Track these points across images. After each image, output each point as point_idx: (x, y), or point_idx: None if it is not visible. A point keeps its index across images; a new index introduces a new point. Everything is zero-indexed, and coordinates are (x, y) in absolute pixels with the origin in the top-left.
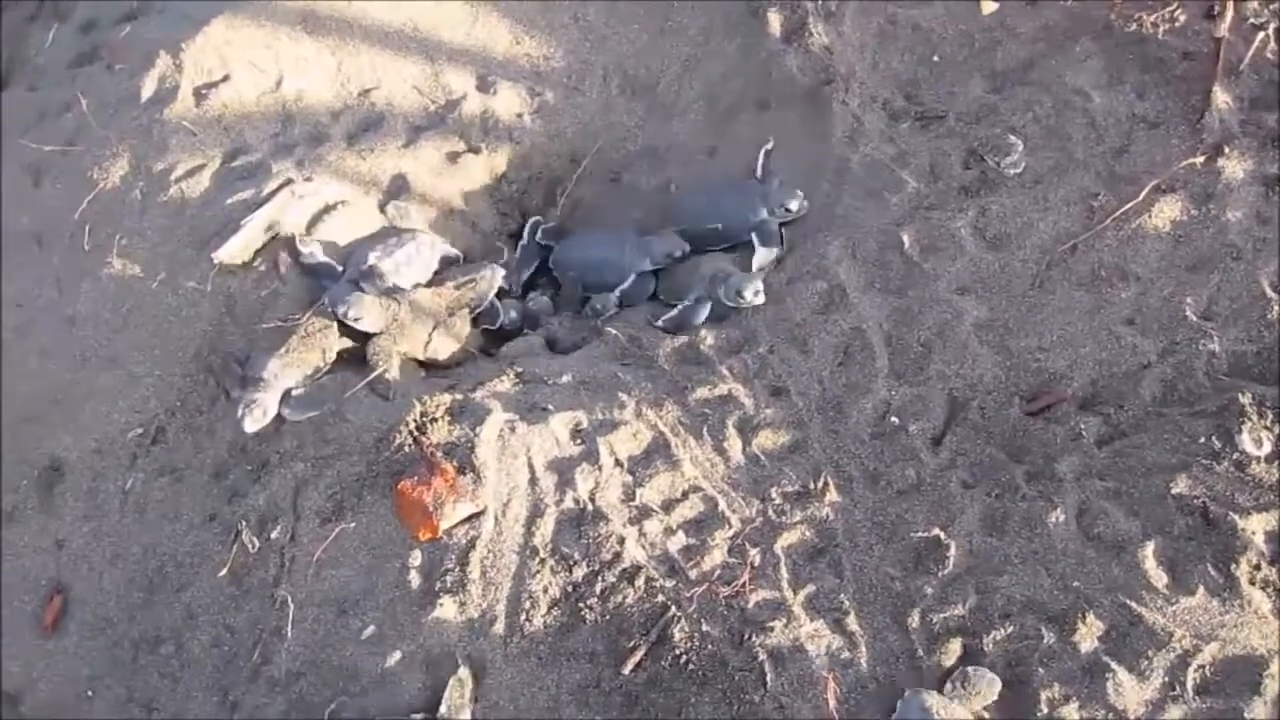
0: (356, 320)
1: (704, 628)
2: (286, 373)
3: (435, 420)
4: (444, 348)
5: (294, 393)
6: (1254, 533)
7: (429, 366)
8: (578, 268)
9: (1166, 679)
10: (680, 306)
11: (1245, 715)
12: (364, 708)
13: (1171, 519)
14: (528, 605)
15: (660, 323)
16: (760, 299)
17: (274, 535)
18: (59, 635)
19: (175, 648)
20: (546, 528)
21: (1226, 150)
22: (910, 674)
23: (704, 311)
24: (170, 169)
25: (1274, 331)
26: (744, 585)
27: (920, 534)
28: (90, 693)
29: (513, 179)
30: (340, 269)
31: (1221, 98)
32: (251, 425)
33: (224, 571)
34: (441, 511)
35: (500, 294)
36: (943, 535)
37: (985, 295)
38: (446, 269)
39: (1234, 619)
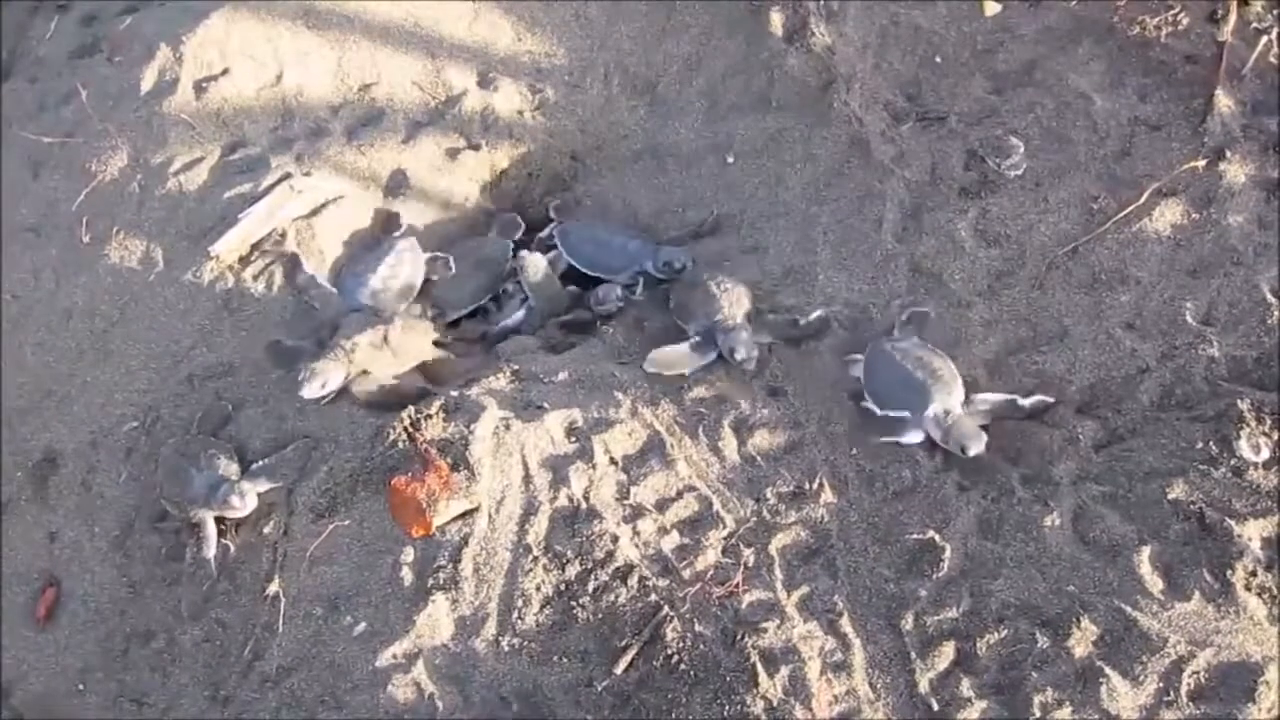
0: (325, 387)
1: (696, 628)
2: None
3: (430, 417)
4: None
5: (253, 467)
6: (1250, 539)
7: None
8: (581, 241)
9: (1161, 685)
10: (686, 344)
11: None
12: (355, 705)
13: (1168, 524)
14: (520, 603)
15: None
16: (749, 366)
17: (267, 530)
18: (51, 628)
19: (166, 642)
20: (540, 526)
21: (1228, 154)
22: (903, 677)
23: (710, 355)
24: (169, 162)
25: (1274, 337)
26: (737, 586)
27: (915, 536)
28: (81, 686)
29: (512, 176)
30: (333, 290)
31: (1224, 101)
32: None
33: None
34: (435, 508)
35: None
36: (938, 538)
37: (985, 296)
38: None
39: (1229, 625)
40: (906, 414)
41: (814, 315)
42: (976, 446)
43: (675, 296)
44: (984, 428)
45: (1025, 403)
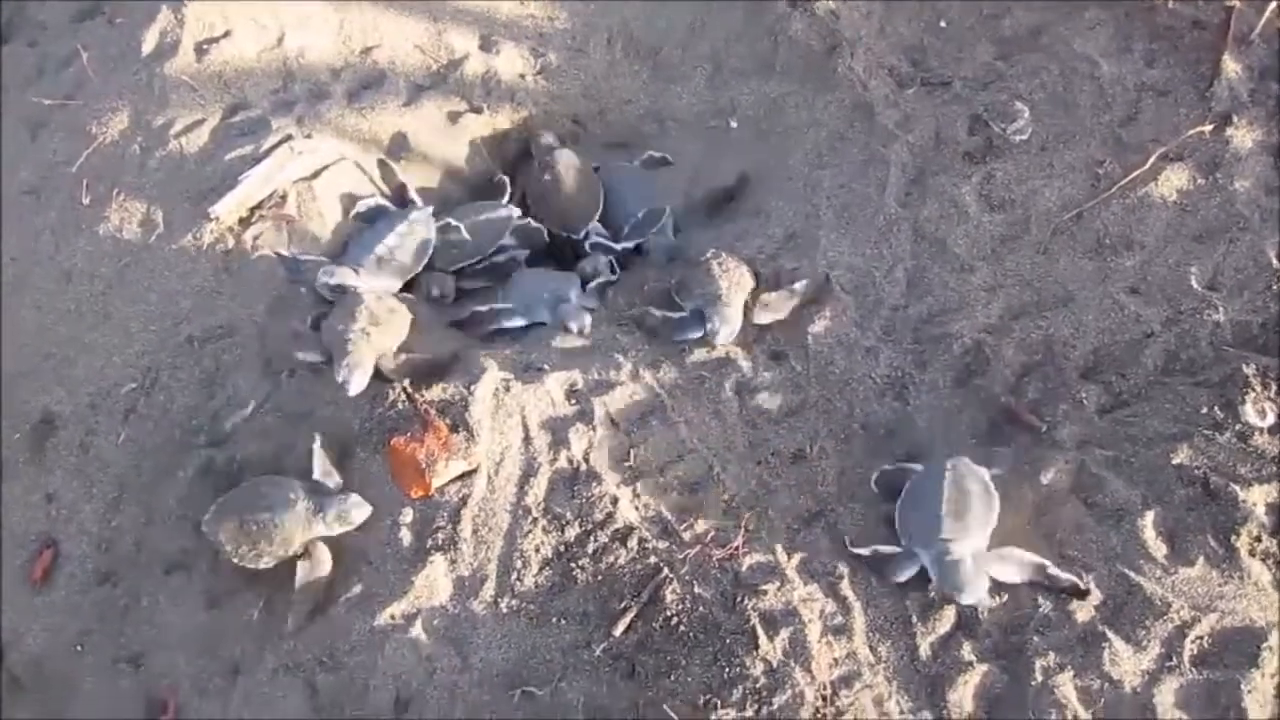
0: (365, 375)
1: (696, 590)
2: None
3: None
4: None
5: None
6: (1255, 504)
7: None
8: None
9: (1163, 650)
10: (678, 315)
11: (1242, 687)
12: (353, 666)
13: (1172, 489)
14: (519, 564)
15: (656, 314)
16: (718, 339)
17: None
18: (48, 589)
19: (164, 602)
20: (539, 487)
21: (1235, 119)
22: (904, 640)
23: (695, 332)
24: (170, 124)
25: (1279, 303)
26: (737, 548)
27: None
28: (79, 647)
29: (514, 139)
30: (321, 259)
31: (1231, 67)
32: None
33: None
34: (434, 469)
35: None
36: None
37: (989, 261)
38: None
39: (1233, 590)
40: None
41: (804, 283)
42: (971, 596)
43: (679, 273)
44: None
45: (1055, 573)
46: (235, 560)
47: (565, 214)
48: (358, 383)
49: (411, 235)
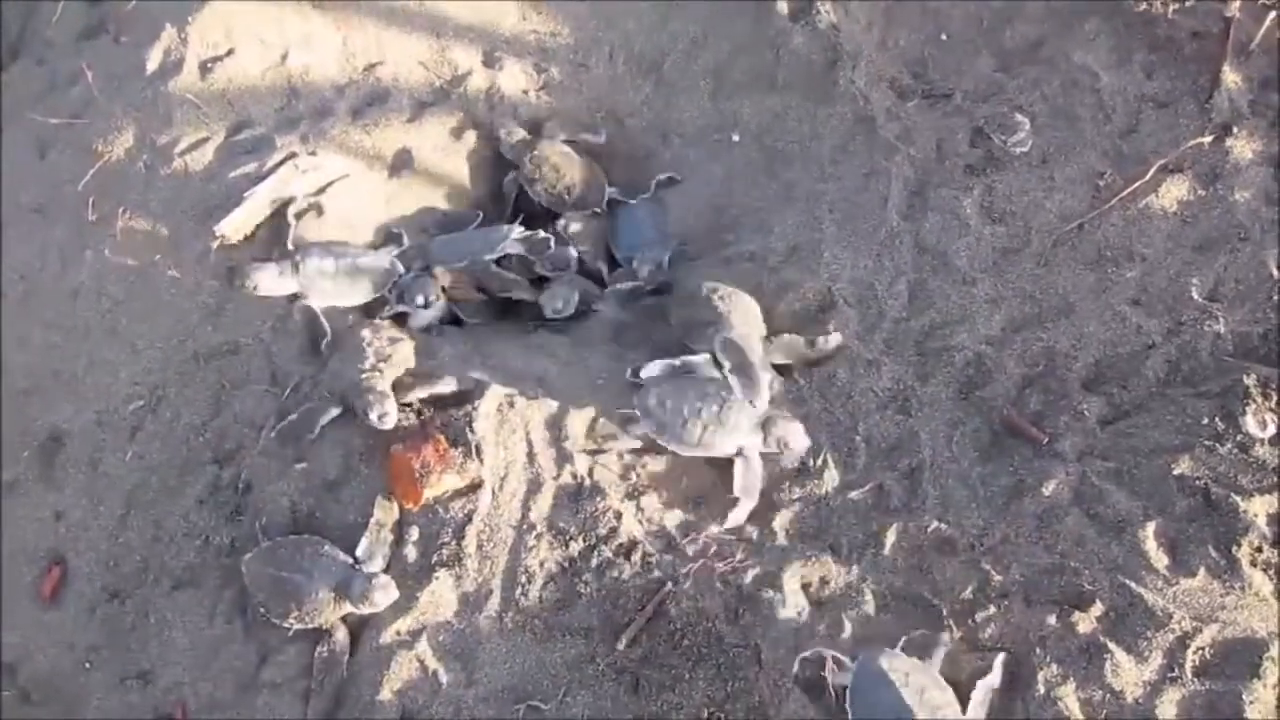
0: (394, 409)
1: (700, 604)
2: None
3: None
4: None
5: (359, 552)
6: (1256, 515)
7: None
8: (626, 212)
9: (1165, 660)
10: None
11: (1244, 698)
12: (359, 681)
13: (1173, 500)
14: (524, 580)
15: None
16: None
17: None
18: (57, 606)
19: (172, 619)
20: (544, 502)
21: (1235, 130)
22: None
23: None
24: (175, 142)
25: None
26: (740, 562)
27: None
28: (88, 664)
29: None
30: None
31: (1231, 78)
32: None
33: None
34: (427, 480)
35: None
36: (943, 516)
37: (990, 273)
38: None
39: (1234, 601)
40: None
41: (832, 343)
42: None
43: (676, 312)
44: None
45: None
46: (262, 610)
47: (579, 196)
48: (392, 414)
49: (371, 270)
